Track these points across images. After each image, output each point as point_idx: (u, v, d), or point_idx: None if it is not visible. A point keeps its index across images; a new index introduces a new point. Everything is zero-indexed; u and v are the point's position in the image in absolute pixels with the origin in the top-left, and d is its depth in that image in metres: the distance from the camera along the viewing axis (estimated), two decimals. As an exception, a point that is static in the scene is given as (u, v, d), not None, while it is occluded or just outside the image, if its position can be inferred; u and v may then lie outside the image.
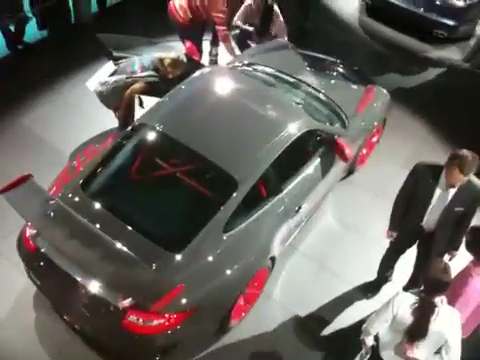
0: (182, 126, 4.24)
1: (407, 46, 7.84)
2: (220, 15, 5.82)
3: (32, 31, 6.90)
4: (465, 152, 3.58)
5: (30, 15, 6.68)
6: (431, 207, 3.88)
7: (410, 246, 4.32)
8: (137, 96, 4.96)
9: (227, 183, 3.87)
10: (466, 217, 3.88)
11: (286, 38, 6.39)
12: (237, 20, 6.29)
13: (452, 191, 3.77)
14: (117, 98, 5.06)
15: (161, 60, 5.02)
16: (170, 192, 4.13)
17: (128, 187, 4.16)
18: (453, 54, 7.84)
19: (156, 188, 4.16)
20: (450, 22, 7.59)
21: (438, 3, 7.52)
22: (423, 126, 6.54)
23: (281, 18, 6.37)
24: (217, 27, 5.96)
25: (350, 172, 5.62)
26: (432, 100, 6.98)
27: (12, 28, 6.58)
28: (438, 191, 3.81)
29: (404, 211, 4.07)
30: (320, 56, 6.23)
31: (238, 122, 4.30)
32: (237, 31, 6.34)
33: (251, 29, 6.27)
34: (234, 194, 3.83)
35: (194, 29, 6.06)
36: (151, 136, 4.22)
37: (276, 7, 6.29)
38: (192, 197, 4.08)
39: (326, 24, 7.54)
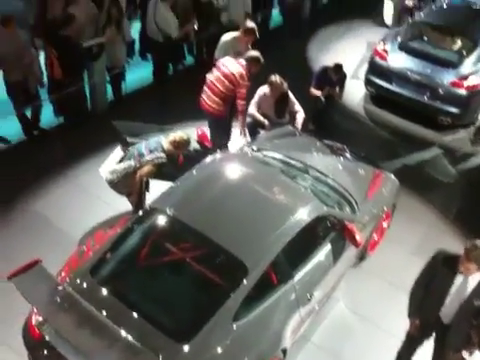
0: (193, 211, 4.26)
1: (413, 133, 8.01)
2: (243, 90, 6.01)
3: (49, 117, 7.15)
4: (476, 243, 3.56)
5: (47, 102, 6.96)
6: (449, 298, 3.77)
7: (427, 339, 4.14)
8: (145, 180, 5.04)
9: (237, 269, 3.81)
10: None
11: (300, 126, 6.58)
12: (251, 108, 6.50)
13: (472, 283, 3.68)
14: (128, 184, 5.14)
15: (168, 140, 5.11)
16: (179, 278, 4.07)
17: (137, 273, 4.10)
18: (458, 139, 7.99)
19: (165, 274, 4.11)
20: (454, 110, 7.81)
21: (441, 92, 7.78)
22: (432, 211, 6.53)
23: (297, 106, 6.60)
24: (238, 101, 6.09)
25: (361, 258, 5.54)
26: (439, 185, 7.03)
27: (28, 114, 6.81)
28: (457, 282, 3.73)
29: (421, 301, 3.95)
30: (328, 142, 6.39)
31: (249, 207, 4.33)
32: (249, 119, 6.53)
33: (266, 122, 6.47)
34: (244, 281, 3.76)
35: (224, 116, 6.26)
36: (162, 221, 4.23)
37: (291, 95, 6.54)
38: (201, 284, 4.01)
39: (333, 113, 7.77)
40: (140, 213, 4.35)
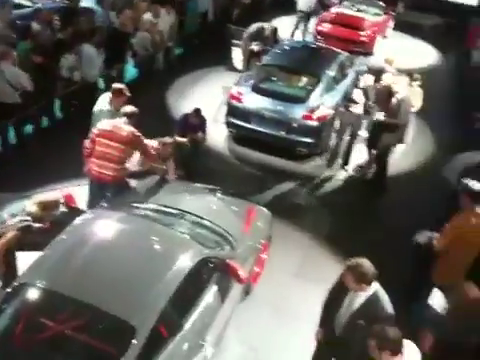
0: (67, 278, 4.02)
1: (276, 166, 8.50)
2: (145, 144, 5.98)
3: None
4: (358, 262, 3.84)
5: None
6: (342, 312, 3.98)
7: (332, 351, 4.26)
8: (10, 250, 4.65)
9: (124, 331, 3.65)
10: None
11: (172, 174, 6.66)
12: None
13: (360, 300, 3.89)
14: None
15: (33, 202, 4.76)
16: (63, 354, 3.77)
17: (15, 357, 3.73)
18: (316, 166, 8.63)
19: (47, 353, 3.78)
20: (309, 140, 8.44)
21: (295, 126, 8.40)
22: (305, 236, 6.92)
23: (172, 159, 6.73)
24: (146, 155, 6.06)
25: (247, 292, 5.64)
26: (306, 210, 7.54)
27: None
28: (349, 296, 3.95)
29: (325, 314, 4.15)
30: (199, 185, 6.52)
31: (127, 265, 4.20)
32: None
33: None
34: (134, 341, 3.61)
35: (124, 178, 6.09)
36: (34, 295, 3.94)
37: (172, 157, 6.73)
38: (88, 355, 3.76)
39: (200, 156, 7.97)
40: (9, 289, 3.99)
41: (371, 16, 14.87)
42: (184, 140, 7.46)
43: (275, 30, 11.84)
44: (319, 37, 14.24)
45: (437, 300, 4.61)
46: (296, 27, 14.18)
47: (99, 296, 3.84)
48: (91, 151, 5.90)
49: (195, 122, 7.61)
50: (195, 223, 5.36)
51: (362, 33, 13.86)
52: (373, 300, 3.88)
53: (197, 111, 7.63)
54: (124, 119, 5.94)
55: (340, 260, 6.36)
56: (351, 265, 3.88)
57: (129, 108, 6.08)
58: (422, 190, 8.06)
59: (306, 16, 14.17)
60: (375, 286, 3.92)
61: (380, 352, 3.47)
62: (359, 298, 3.91)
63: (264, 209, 6.24)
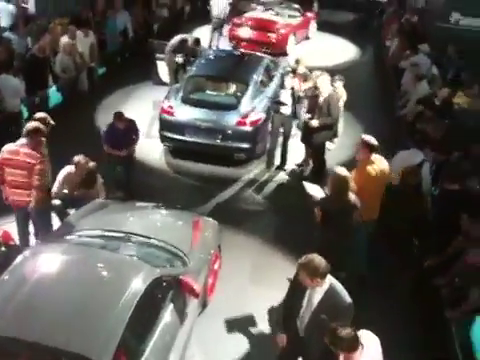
0: (14, 320, 3.80)
1: (216, 174, 8.50)
2: (38, 167, 5.48)
3: None
4: (308, 258, 3.90)
5: None
6: (302, 311, 4.01)
7: (296, 353, 4.29)
8: None
9: (85, 366, 3.50)
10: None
11: (103, 196, 6.49)
12: (56, 188, 6.23)
13: (318, 296, 3.95)
14: None
15: None
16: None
17: None
18: (255, 170, 8.71)
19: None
20: (245, 145, 8.52)
21: (230, 133, 8.44)
22: (255, 240, 6.95)
23: (100, 180, 6.53)
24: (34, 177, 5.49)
25: (204, 306, 5.59)
26: (252, 214, 7.57)
27: None
28: (307, 294, 3.99)
29: (284, 316, 4.18)
30: (142, 204, 6.41)
31: (78, 297, 4.03)
32: (57, 202, 6.26)
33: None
34: (94, 375, 3.48)
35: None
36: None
37: (100, 178, 6.50)
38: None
39: (137, 174, 7.82)
40: None
41: (285, 18, 15.24)
42: (121, 152, 7.25)
43: (197, 40, 11.90)
44: (233, 41, 14.58)
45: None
46: (212, 34, 14.38)
47: (53, 335, 3.66)
48: (2, 178, 5.65)
49: (122, 126, 7.32)
50: (142, 243, 5.25)
51: (272, 35, 14.22)
52: (331, 293, 3.95)
53: (119, 115, 7.35)
54: (23, 140, 5.55)
55: (292, 260, 6.45)
56: (303, 263, 3.93)
57: (30, 125, 5.60)
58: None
59: (221, 22, 14.44)
60: (330, 279, 3.99)
61: (337, 352, 3.53)
62: (317, 294, 3.97)
63: (210, 219, 6.22)
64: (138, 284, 4.19)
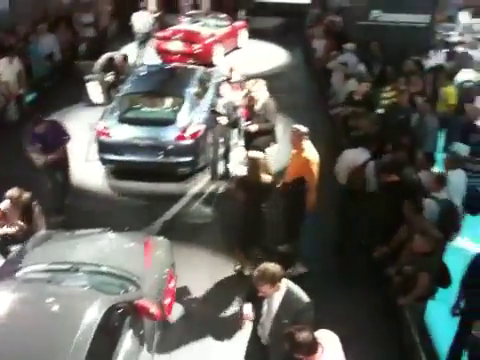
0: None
1: (162, 191, 8.39)
2: None
3: None
4: (262, 268, 3.92)
5: None
6: (262, 319, 4.01)
7: None
8: None
9: None
10: None
11: (44, 226, 6.24)
12: None
13: (277, 302, 3.96)
14: None
15: None
16: None
17: None
18: (201, 182, 8.67)
19: None
20: (187, 159, 8.47)
21: (171, 148, 8.36)
22: (207, 253, 6.91)
23: (37, 209, 6.25)
24: None
25: (164, 327, 5.46)
26: (203, 227, 7.51)
27: None
28: (265, 302, 4.00)
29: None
30: (87, 231, 6.21)
31: (31, 338, 3.85)
32: None
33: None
34: None
35: None
36: None
37: (37, 207, 6.20)
38: None
39: (81, 200, 7.61)
40: None
41: (210, 29, 15.36)
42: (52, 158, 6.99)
43: (125, 57, 11.75)
44: (159, 55, 14.59)
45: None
46: (139, 49, 14.36)
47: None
48: None
49: (42, 130, 7.06)
50: (92, 272, 5.08)
51: (197, 46, 14.30)
52: (289, 296, 3.99)
53: (36, 119, 7.09)
54: None
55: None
56: (260, 274, 3.94)
57: None
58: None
59: (145, 37, 14.44)
60: (286, 283, 4.03)
61: (298, 356, 3.53)
62: (275, 300, 3.99)
63: (160, 238, 6.14)
64: (93, 315, 4.05)
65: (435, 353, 5.17)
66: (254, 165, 6.02)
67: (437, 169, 6.65)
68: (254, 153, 6.26)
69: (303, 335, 3.45)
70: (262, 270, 3.94)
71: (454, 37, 13.76)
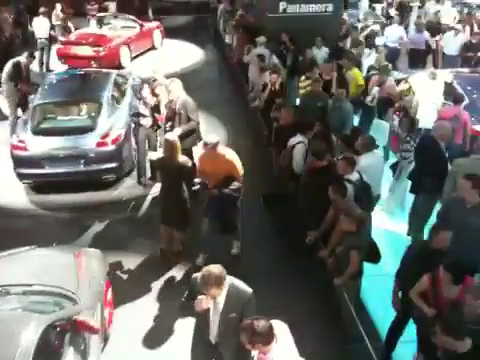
0: None
1: (88, 201, 8.13)
2: None
3: None
4: (205, 272, 3.92)
5: None
6: (210, 319, 4.01)
7: None
8: None
9: None
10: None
11: None
12: None
13: (222, 298, 4.00)
14: None
15: None
16: None
17: None
18: (129, 187, 8.51)
19: None
20: (112, 165, 8.26)
21: (93, 155, 8.12)
22: (141, 259, 6.76)
23: None
24: None
25: (106, 339, 5.36)
26: (134, 233, 7.32)
27: None
28: (212, 303, 4.00)
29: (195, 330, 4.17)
30: (13, 251, 5.89)
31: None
32: None
33: None
34: None
35: None
36: None
37: None
38: None
39: (1, 219, 7.21)
40: None
41: (117, 31, 15.09)
42: None
43: (31, 53, 11.10)
44: (62, 59, 14.22)
45: None
46: (41, 55, 13.96)
47: None
48: None
49: None
50: (24, 293, 4.84)
51: (100, 49, 13.99)
52: (233, 290, 4.03)
53: None
54: None
55: (183, 269, 6.46)
56: (205, 278, 3.93)
57: None
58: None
59: (47, 42, 14.08)
60: (227, 278, 4.06)
61: (253, 346, 3.56)
62: (220, 297, 4.03)
63: (92, 249, 5.97)
64: (29, 338, 3.88)
65: (373, 326, 5.46)
66: (170, 146, 6.22)
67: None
68: (169, 135, 6.56)
69: (261, 323, 3.49)
70: (207, 275, 3.94)
71: (358, 23, 14.41)
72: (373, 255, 5.46)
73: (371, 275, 5.65)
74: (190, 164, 6.49)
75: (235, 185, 6.34)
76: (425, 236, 6.52)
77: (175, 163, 6.23)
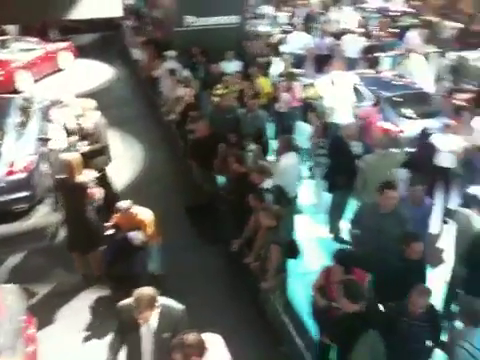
0: None
1: (1, 234, 7.63)
2: None
3: None
4: (137, 294, 3.86)
5: None
6: (142, 342, 3.94)
7: None
8: None
9: None
10: None
11: None
12: None
13: (154, 320, 3.92)
14: None
15: None
16: None
17: None
18: (43, 215, 8.07)
19: None
20: (24, 194, 7.83)
21: (2, 185, 7.66)
22: (66, 286, 6.51)
23: None
24: None
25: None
26: (53, 262, 6.98)
27: None
28: (144, 326, 3.93)
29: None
30: None
31: None
32: None
33: None
34: None
35: None
36: None
37: None
38: None
39: None
40: None
41: (14, 54, 14.28)
42: None
43: None
44: None
45: None
46: None
47: None
48: None
49: None
50: None
51: None
52: (165, 310, 3.98)
53: None
54: None
55: (106, 292, 6.24)
56: (138, 300, 3.85)
57: None
58: (160, 193, 8.32)
59: None
60: (158, 298, 3.99)
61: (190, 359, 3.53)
62: (153, 319, 3.95)
63: (8, 285, 5.61)
64: None
65: (302, 325, 5.54)
66: (67, 166, 6.12)
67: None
68: (67, 154, 6.47)
69: (191, 337, 3.52)
70: (139, 297, 3.86)
71: (263, 30, 14.72)
72: (292, 251, 5.61)
73: (298, 274, 5.77)
74: (90, 183, 6.21)
75: (139, 236, 5.83)
76: (343, 232, 6.84)
77: (74, 182, 6.09)
